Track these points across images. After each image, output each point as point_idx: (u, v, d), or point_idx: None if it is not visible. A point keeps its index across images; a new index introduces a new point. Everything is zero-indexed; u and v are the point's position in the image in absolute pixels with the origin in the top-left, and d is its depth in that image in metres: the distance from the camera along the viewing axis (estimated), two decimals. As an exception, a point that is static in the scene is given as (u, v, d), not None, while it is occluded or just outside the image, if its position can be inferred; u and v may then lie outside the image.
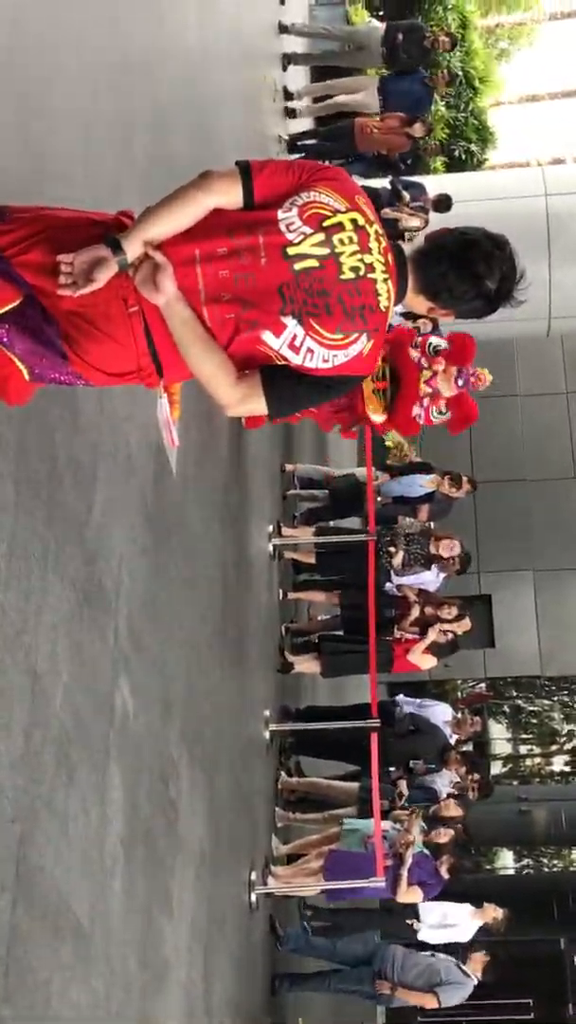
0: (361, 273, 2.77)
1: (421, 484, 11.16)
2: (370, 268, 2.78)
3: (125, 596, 4.87)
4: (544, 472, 20.71)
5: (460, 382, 9.00)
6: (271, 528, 9.93)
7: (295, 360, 2.77)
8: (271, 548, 9.82)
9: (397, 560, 10.11)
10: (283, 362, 2.78)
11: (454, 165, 22.09)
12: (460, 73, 21.57)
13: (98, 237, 2.68)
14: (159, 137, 6.08)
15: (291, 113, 13.39)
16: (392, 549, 10.17)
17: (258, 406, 2.82)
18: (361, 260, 2.77)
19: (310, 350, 2.76)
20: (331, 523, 11.14)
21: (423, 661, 9.98)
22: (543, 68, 47.95)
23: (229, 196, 2.73)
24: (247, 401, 2.81)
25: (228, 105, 7.77)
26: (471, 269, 2.85)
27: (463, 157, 22.93)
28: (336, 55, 14.66)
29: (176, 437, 6.01)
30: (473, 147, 23.41)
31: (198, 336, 2.72)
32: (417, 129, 12.68)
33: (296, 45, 14.08)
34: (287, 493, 11.28)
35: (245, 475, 8.58)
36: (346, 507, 11.27)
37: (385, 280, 2.82)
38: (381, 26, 14.28)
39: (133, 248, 2.66)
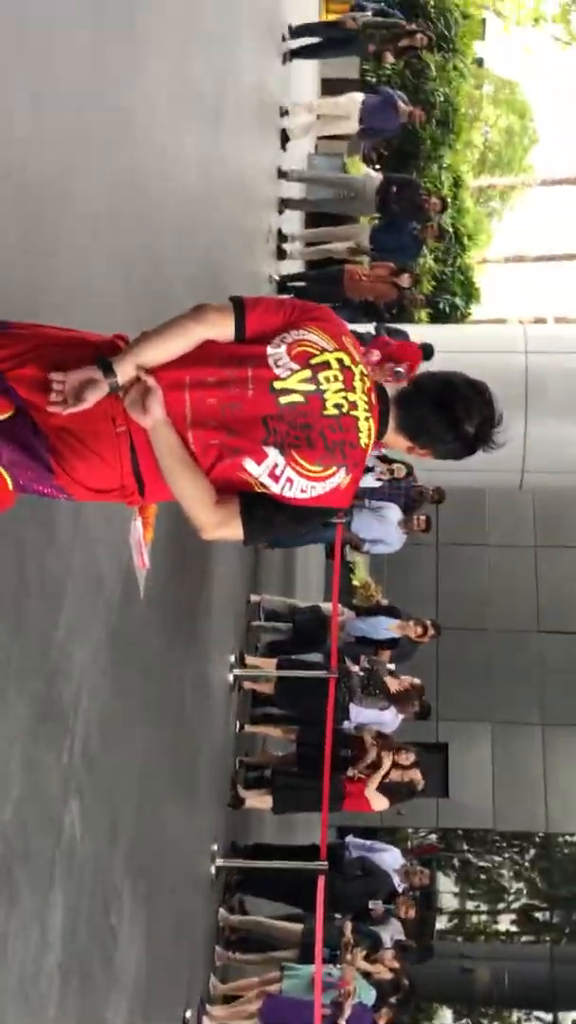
0: (344, 410, 2.85)
1: (387, 627, 11.22)
2: (353, 406, 2.87)
3: (83, 716, 4.84)
4: (508, 624, 20.77)
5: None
6: (233, 658, 9.91)
7: (274, 488, 2.83)
8: (231, 678, 9.79)
9: (354, 680, 10.07)
10: (262, 490, 2.84)
11: (438, 317, 22.51)
12: (450, 229, 22.12)
13: (91, 358, 2.74)
14: (156, 270, 6.22)
15: (283, 254, 13.68)
16: (352, 683, 10.14)
17: (235, 531, 2.86)
18: (345, 397, 2.85)
19: (289, 479, 2.82)
20: (292, 656, 11.12)
21: (376, 800, 9.88)
22: (531, 230, 49.26)
23: (222, 329, 2.82)
24: (224, 526, 2.85)
25: (224, 242, 7.97)
26: (451, 412, 2.92)
27: (447, 310, 23.38)
28: (331, 202, 15.05)
29: (147, 560, 6.03)
30: (458, 301, 23.87)
31: (181, 459, 2.78)
32: (404, 279, 12.97)
33: (293, 190, 14.46)
34: (252, 624, 11.29)
35: (211, 602, 8.59)
36: (309, 641, 11.28)
37: (367, 418, 2.90)
38: (377, 177, 14.70)
39: (125, 371, 2.73)
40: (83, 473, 2.81)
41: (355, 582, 15.47)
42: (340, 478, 2.86)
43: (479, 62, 38.07)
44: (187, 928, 7.55)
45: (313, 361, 2.82)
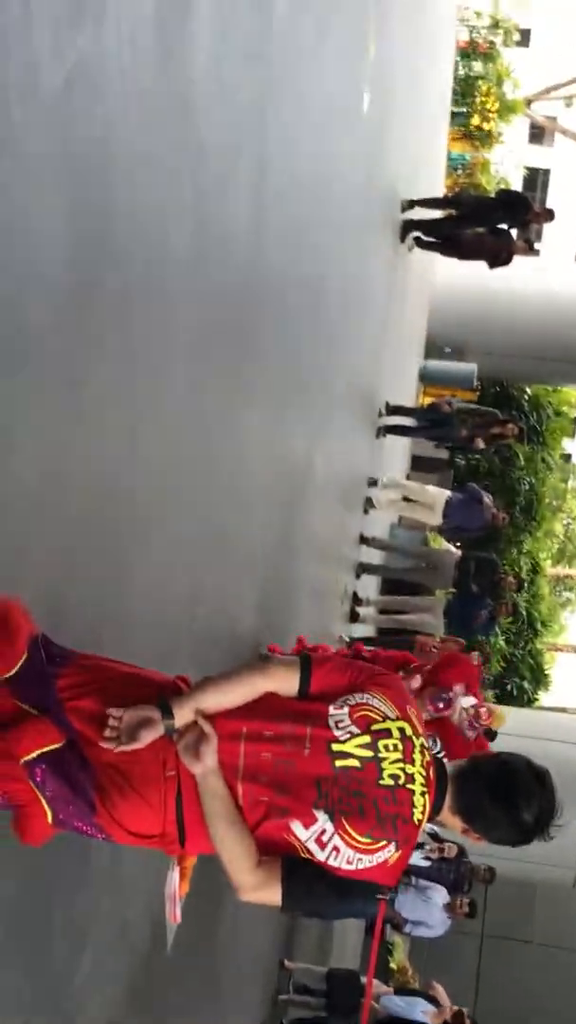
0: (400, 782, 2.76)
1: (423, 1011, 10.70)
2: (410, 778, 2.78)
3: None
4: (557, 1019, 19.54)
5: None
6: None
7: (319, 856, 2.71)
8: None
9: None
10: (306, 855, 2.72)
11: (505, 699, 22.46)
12: (524, 613, 22.35)
13: (152, 697, 2.72)
14: (219, 608, 6.28)
15: (356, 617, 13.81)
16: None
17: (273, 896, 2.73)
18: (402, 769, 2.77)
19: (336, 848, 2.70)
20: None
21: None
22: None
23: (286, 684, 2.79)
24: (263, 888, 2.73)
25: (301, 594, 8.06)
26: (509, 801, 2.83)
27: (514, 692, 23.37)
28: (409, 571, 15.29)
29: (179, 913, 5.81)
30: (526, 684, 23.88)
31: (228, 813, 2.69)
32: (474, 657, 12.97)
33: (373, 556, 14.73)
34: (280, 997, 10.72)
35: (240, 964, 8.20)
36: (340, 1009, 10.70)
37: (423, 793, 2.81)
38: (457, 552, 14.97)
39: (183, 715, 2.70)
40: (125, 814, 2.73)
41: (392, 964, 14.73)
42: (389, 853, 2.74)
43: (567, 458, 39.44)
44: None
45: (374, 727, 2.76)
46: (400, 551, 15.26)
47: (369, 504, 13.80)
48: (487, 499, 14.47)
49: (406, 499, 15.35)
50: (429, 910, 11.60)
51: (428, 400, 18.95)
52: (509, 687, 23.24)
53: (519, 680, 23.73)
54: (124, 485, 4.17)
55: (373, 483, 13.93)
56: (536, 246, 18.11)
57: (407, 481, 15.98)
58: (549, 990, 19.88)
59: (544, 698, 26.87)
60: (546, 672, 27.19)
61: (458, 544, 17.53)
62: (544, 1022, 19.58)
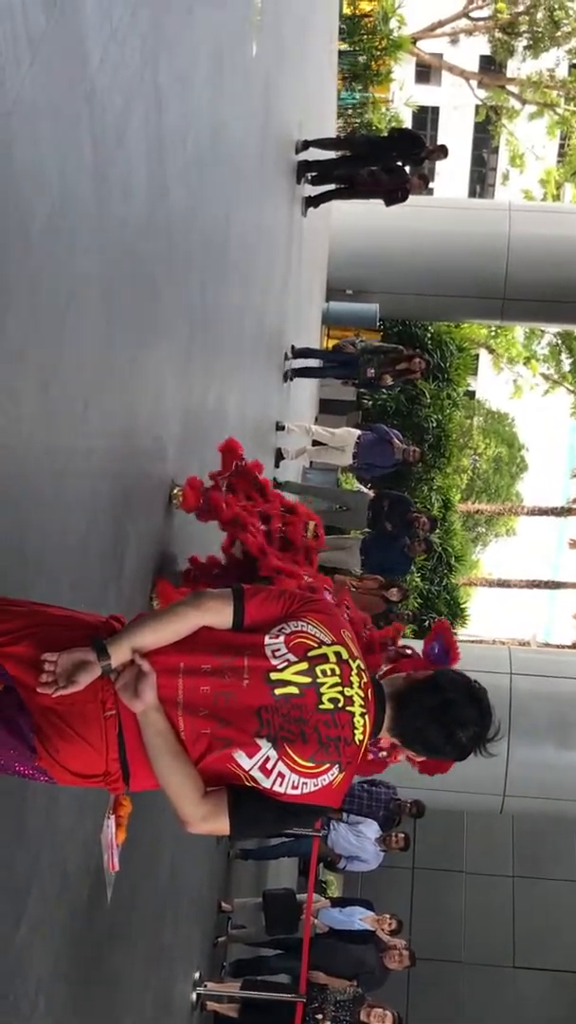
0: (340, 705, 2.80)
1: (361, 919, 10.91)
2: (349, 701, 2.82)
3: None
4: (482, 957, 19.94)
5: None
6: (197, 974, 9.45)
7: (264, 783, 2.74)
8: (194, 996, 9.31)
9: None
10: (252, 784, 2.75)
11: (424, 634, 22.68)
12: (438, 550, 22.56)
13: (86, 638, 2.71)
14: (146, 548, 6.27)
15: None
16: (320, 1016, 9.66)
17: (221, 826, 2.76)
18: (341, 692, 2.81)
19: (281, 775, 2.74)
20: (259, 977, 10.64)
21: None
22: (517, 556, 50.20)
23: (220, 617, 2.80)
24: (211, 819, 2.75)
25: (215, 540, 8.03)
26: (447, 723, 2.89)
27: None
28: (324, 514, 15.34)
29: (117, 862, 5.84)
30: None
31: (170, 748, 2.71)
32: (393, 594, 13.11)
33: (286, 501, 14.75)
34: (218, 940, 10.84)
35: (179, 908, 8.26)
36: (278, 925, 10.86)
37: (363, 714, 2.85)
38: (370, 493, 15.06)
39: (119, 654, 2.70)
40: (67, 756, 2.73)
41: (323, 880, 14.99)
42: (332, 775, 2.79)
43: (471, 395, 39.76)
44: None
45: (311, 654, 2.79)
46: (314, 493, 15.32)
47: (279, 456, 13.82)
48: (397, 437, 14.55)
49: (316, 443, 15.40)
50: (362, 844, 11.77)
51: (333, 342, 18.96)
52: (427, 623, 23.46)
53: (437, 616, 23.97)
54: (36, 437, 4.13)
55: (281, 428, 13.94)
56: (430, 183, 18.16)
57: (315, 426, 16.01)
58: (480, 916, 20.32)
59: (462, 632, 27.21)
60: (463, 606, 27.53)
61: (369, 484, 17.66)
62: (477, 947, 20.01)
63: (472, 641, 25.24)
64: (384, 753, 7.94)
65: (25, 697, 2.68)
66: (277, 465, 13.89)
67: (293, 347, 14.77)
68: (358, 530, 15.73)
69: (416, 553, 14.89)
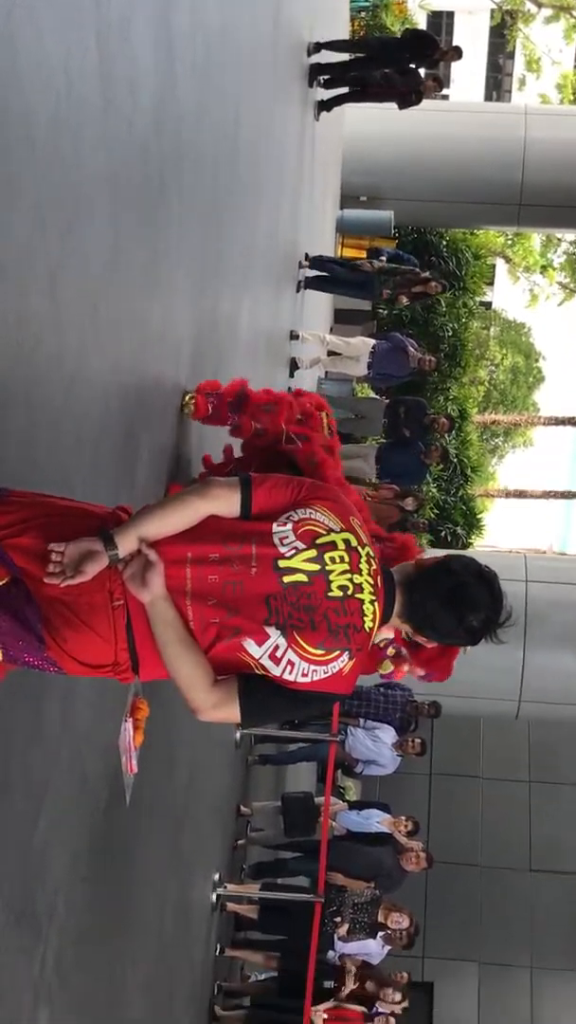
0: (349, 592, 2.79)
1: (379, 821, 11.07)
2: (358, 588, 2.81)
3: (58, 926, 4.63)
4: (499, 860, 20.21)
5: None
6: (216, 876, 9.60)
7: (274, 671, 2.75)
8: (214, 897, 9.46)
9: (342, 930, 9.76)
10: (262, 672, 2.76)
11: (439, 544, 22.72)
12: (454, 460, 22.51)
13: (93, 528, 2.70)
14: (158, 455, 6.26)
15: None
16: (338, 919, 9.83)
17: (232, 713, 2.77)
18: (350, 580, 2.80)
19: (291, 662, 2.74)
20: (278, 879, 10.82)
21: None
22: (535, 467, 50.11)
23: (227, 506, 2.78)
24: (221, 707, 2.76)
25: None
26: (458, 607, 2.87)
27: (449, 539, 23.63)
28: (339, 423, 15.30)
29: (135, 764, 5.89)
30: (459, 530, 24.14)
31: (179, 637, 2.70)
32: (409, 503, 13.10)
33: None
34: (237, 843, 11.00)
35: (198, 812, 8.36)
36: (297, 827, 11.01)
37: (372, 601, 2.84)
38: (385, 400, 14.98)
39: (126, 544, 2.68)
40: (75, 646, 2.73)
41: (342, 785, 15.16)
42: (343, 662, 2.78)
43: (487, 305, 39.40)
44: None
45: (319, 541, 2.78)
46: (329, 404, 15.23)
47: (293, 366, 13.74)
48: (412, 346, 14.44)
49: (331, 353, 15.29)
50: (379, 749, 11.87)
51: (347, 251, 18.76)
52: (443, 533, 23.50)
53: (453, 526, 23.99)
54: (45, 340, 4.10)
55: (295, 337, 13.84)
56: (444, 87, 17.84)
57: (330, 336, 15.89)
58: (496, 820, 20.56)
59: (477, 543, 27.24)
60: (479, 517, 27.52)
61: (384, 395, 17.57)
62: (493, 850, 20.28)
63: (487, 552, 25.26)
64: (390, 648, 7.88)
65: (32, 588, 2.67)
66: (291, 375, 13.81)
67: (307, 255, 14.61)
68: (374, 438, 15.67)
69: (433, 459, 14.88)
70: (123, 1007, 5.99)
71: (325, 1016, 9.35)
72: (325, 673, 2.77)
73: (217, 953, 9.82)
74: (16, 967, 4.16)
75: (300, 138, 13.34)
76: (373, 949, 9.97)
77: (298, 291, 14.45)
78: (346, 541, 2.81)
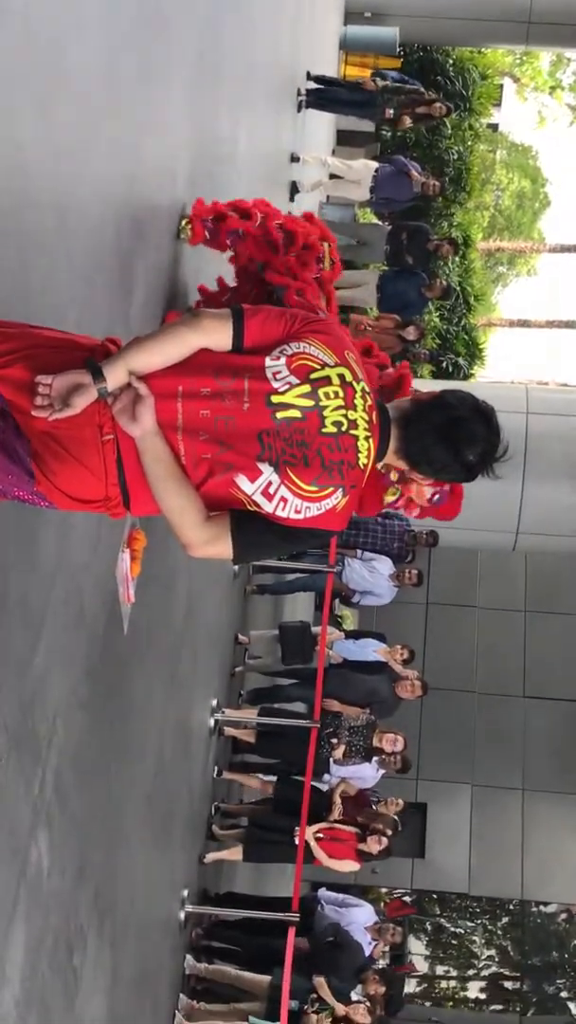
0: (343, 428, 2.74)
1: (375, 651, 11.22)
2: (353, 424, 2.75)
3: (57, 748, 4.71)
4: (493, 687, 20.57)
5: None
6: (215, 702, 9.78)
7: (267, 507, 2.71)
8: (212, 722, 9.65)
9: (338, 752, 9.96)
10: (254, 508, 2.72)
11: (440, 375, 22.56)
12: (457, 289, 22.20)
13: (81, 361, 2.63)
14: (155, 281, 6.15)
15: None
16: (335, 741, 10.03)
17: (224, 549, 2.74)
18: (345, 415, 2.74)
19: (283, 499, 2.70)
20: (275, 705, 11.01)
21: (342, 866, 9.72)
22: (539, 296, 49.49)
23: (219, 338, 2.70)
24: (213, 543, 2.72)
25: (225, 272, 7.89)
26: (454, 442, 2.82)
27: (450, 369, 23.45)
28: (340, 249, 15.06)
29: (132, 594, 5.92)
30: (461, 360, 23.94)
31: (171, 472, 2.66)
32: (410, 332, 12.97)
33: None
34: (235, 670, 11.17)
35: (196, 641, 8.47)
36: (294, 654, 11.18)
37: (367, 438, 2.78)
38: (387, 226, 14.70)
39: (115, 377, 2.62)
40: (65, 481, 2.69)
41: (339, 614, 15.35)
42: (336, 499, 2.74)
43: (494, 127, 38.45)
44: (152, 974, 7.37)
45: (313, 376, 2.70)
46: (330, 227, 14.97)
47: (294, 189, 13.44)
48: (415, 169, 14.12)
49: (332, 176, 14.96)
50: (376, 579, 11.96)
51: (351, 69, 18.21)
52: (444, 364, 23.30)
53: (454, 356, 23.77)
54: (40, 163, 3.97)
55: (296, 160, 13.51)
56: None
57: (331, 158, 15.52)
58: (492, 649, 20.89)
59: (479, 373, 27.05)
60: (481, 348, 27.26)
61: (387, 220, 17.25)
62: (488, 678, 20.64)
63: (489, 384, 25.13)
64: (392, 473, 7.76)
65: (21, 422, 2.61)
66: (292, 199, 13.53)
67: (309, 73, 14.19)
68: (376, 265, 15.41)
69: (435, 294, 14.67)
70: (122, 828, 6.14)
71: (320, 836, 9.59)
72: (318, 510, 2.73)
73: (215, 775, 10.05)
74: (16, 789, 4.24)
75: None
76: (368, 773, 10.19)
77: (299, 111, 14.07)
78: (341, 376, 2.74)
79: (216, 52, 7.45)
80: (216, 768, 10.08)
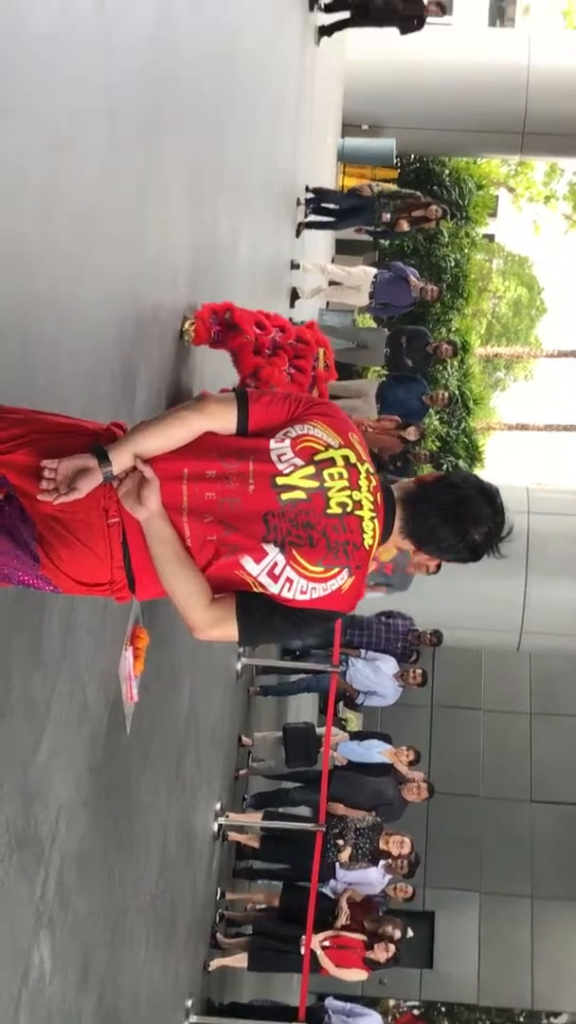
0: (348, 509, 2.76)
1: (380, 752, 11.14)
2: (358, 505, 2.77)
3: (60, 848, 4.65)
4: (499, 791, 20.38)
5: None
6: (218, 805, 9.66)
7: (272, 588, 2.72)
8: (216, 827, 9.53)
9: (345, 855, 9.83)
10: (260, 590, 2.73)
11: (440, 475, 22.64)
12: (456, 393, 22.41)
13: (87, 446, 2.66)
14: (157, 381, 6.21)
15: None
16: (340, 842, 9.91)
17: (230, 631, 2.74)
18: (349, 496, 2.76)
19: (289, 580, 2.71)
20: (280, 810, 10.89)
21: (350, 975, 9.56)
22: (537, 400, 49.87)
23: (224, 422, 2.74)
24: (219, 625, 2.73)
25: (228, 382, 7.98)
26: (460, 523, 2.83)
27: (450, 470, 23.53)
28: (340, 352, 15.23)
29: (135, 692, 5.89)
30: (461, 463, 24.07)
31: (176, 555, 2.67)
32: (411, 433, 13.06)
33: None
34: (239, 772, 11.06)
35: (199, 742, 8.39)
36: (298, 756, 11.06)
37: (372, 518, 2.80)
38: (386, 330, 14.87)
39: (121, 460, 2.64)
40: (71, 564, 2.70)
41: (343, 717, 15.20)
42: (342, 580, 2.75)
43: (490, 237, 39.08)
44: None
45: (318, 457, 2.73)
46: (330, 332, 15.17)
47: (294, 295, 13.63)
48: (414, 275, 14.32)
49: (332, 283, 15.18)
50: (380, 679, 11.90)
51: (348, 180, 18.55)
52: (445, 466, 23.41)
53: (455, 459, 23.91)
54: (41, 260, 4.04)
55: (296, 267, 13.71)
56: (447, 12, 17.57)
57: (331, 265, 15.76)
58: (497, 752, 20.71)
59: (480, 475, 27.17)
60: (480, 450, 27.43)
61: (385, 326, 17.45)
62: (494, 781, 20.44)
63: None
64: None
65: (27, 506, 2.63)
66: (292, 305, 13.71)
67: (308, 187, 14.47)
68: (376, 368, 15.55)
69: (437, 405, 14.82)
70: (125, 932, 6.03)
71: (327, 944, 9.43)
72: (324, 591, 2.74)
73: (218, 898, 9.90)
74: (18, 889, 4.17)
75: (300, 64, 13.15)
76: (374, 878, 10.04)
77: (297, 235, 14.31)
78: (345, 457, 2.77)
79: (216, 156, 7.60)
80: (219, 890, 9.94)
